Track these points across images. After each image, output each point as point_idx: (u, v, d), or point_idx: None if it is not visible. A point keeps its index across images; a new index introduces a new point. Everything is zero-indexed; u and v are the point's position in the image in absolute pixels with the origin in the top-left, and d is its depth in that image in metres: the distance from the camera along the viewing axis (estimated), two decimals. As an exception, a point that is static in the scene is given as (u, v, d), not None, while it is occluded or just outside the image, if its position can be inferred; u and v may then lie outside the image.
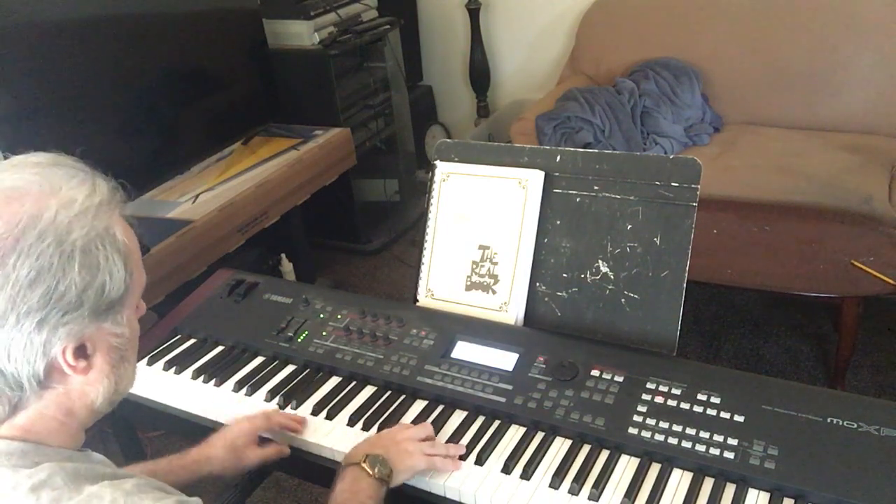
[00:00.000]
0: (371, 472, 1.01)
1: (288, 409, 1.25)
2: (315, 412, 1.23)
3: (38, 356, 0.74)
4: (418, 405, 1.22)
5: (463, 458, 1.10)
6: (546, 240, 1.36)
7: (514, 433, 1.14)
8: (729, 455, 1.02)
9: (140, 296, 0.85)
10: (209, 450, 1.16)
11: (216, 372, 1.35)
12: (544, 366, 1.21)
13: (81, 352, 0.77)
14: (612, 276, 1.31)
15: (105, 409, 0.84)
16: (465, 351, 1.27)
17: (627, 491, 1.01)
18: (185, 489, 1.08)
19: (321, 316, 1.42)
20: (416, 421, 1.18)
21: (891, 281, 1.88)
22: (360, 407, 1.23)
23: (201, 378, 1.35)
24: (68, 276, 0.73)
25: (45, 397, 0.78)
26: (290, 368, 1.35)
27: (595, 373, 1.18)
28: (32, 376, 0.75)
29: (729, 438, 1.04)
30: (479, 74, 3.67)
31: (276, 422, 1.18)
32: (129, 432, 1.58)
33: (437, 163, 1.47)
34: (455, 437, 1.13)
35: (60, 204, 0.74)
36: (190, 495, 0.80)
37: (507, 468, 1.07)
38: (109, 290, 0.76)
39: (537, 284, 1.36)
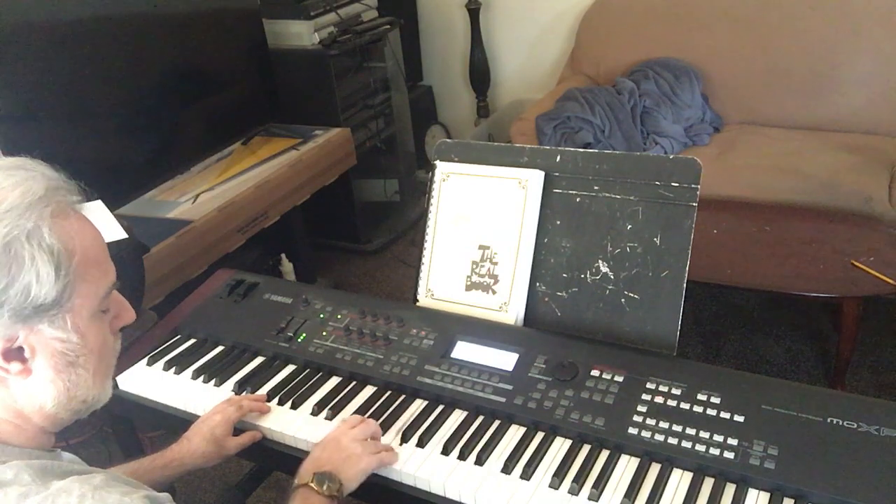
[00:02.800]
0: (320, 490, 1.02)
1: (286, 408, 1.25)
2: (315, 412, 1.23)
3: None
4: (418, 405, 1.22)
5: (463, 457, 1.10)
6: (546, 240, 1.36)
7: (514, 433, 1.14)
8: (729, 455, 1.02)
9: (102, 298, 0.81)
10: (189, 445, 1.18)
11: (216, 372, 1.35)
12: (544, 366, 1.21)
13: (16, 354, 0.76)
14: (612, 276, 1.31)
15: (67, 417, 0.83)
16: (465, 351, 1.27)
17: (627, 491, 1.01)
18: (169, 486, 1.09)
19: (321, 316, 1.42)
20: (415, 421, 1.18)
21: (891, 281, 1.88)
22: (360, 407, 1.23)
23: (201, 378, 1.35)
24: None
25: None
26: (290, 368, 1.35)
27: (595, 373, 1.18)
28: None
29: (729, 438, 1.04)
30: (479, 74, 3.67)
31: (247, 408, 1.22)
32: (129, 432, 1.58)
33: (437, 163, 1.47)
34: (455, 437, 1.13)
35: None
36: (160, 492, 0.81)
37: (507, 468, 1.07)
38: (37, 293, 0.73)
39: (537, 284, 1.36)
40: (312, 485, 1.02)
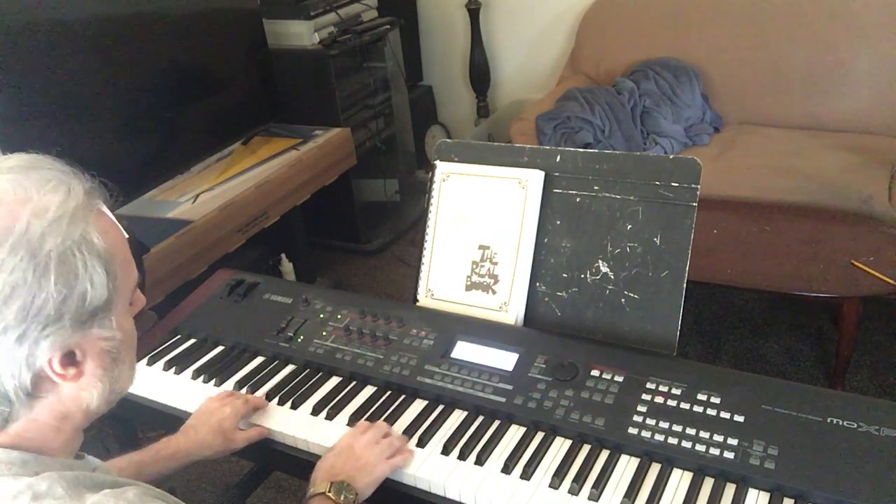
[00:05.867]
0: (337, 500, 1.01)
1: (286, 408, 1.25)
2: (315, 412, 1.23)
3: (21, 370, 0.72)
4: (418, 405, 1.22)
5: (463, 457, 1.10)
6: (546, 240, 1.36)
7: (514, 433, 1.14)
8: (729, 455, 1.02)
9: (131, 292, 0.82)
10: (196, 436, 1.17)
11: (216, 372, 1.35)
12: (544, 366, 1.21)
13: (70, 359, 0.75)
14: (612, 276, 1.31)
15: (102, 410, 0.82)
16: (465, 351, 1.27)
17: (627, 491, 1.01)
18: (174, 477, 1.08)
19: (321, 316, 1.42)
20: (415, 421, 1.18)
21: (891, 281, 1.88)
22: (360, 407, 1.23)
23: (201, 378, 1.35)
24: (44, 290, 0.70)
25: (37, 407, 0.77)
26: (290, 368, 1.35)
27: (595, 373, 1.18)
28: (20, 389, 0.73)
29: (729, 438, 1.04)
30: (479, 74, 3.67)
31: (253, 403, 1.23)
32: (129, 432, 1.58)
33: (437, 163, 1.47)
34: (455, 437, 1.13)
35: (32, 213, 0.71)
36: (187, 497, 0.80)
37: (507, 468, 1.07)
38: (92, 298, 0.73)
39: (537, 284, 1.36)
40: (330, 494, 1.01)
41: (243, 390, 1.30)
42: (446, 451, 1.11)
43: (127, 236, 0.89)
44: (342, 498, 1.01)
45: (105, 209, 0.81)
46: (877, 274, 1.91)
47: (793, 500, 0.97)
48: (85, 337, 0.75)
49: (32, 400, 0.76)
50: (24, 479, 0.73)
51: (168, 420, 1.32)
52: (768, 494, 0.98)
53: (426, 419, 1.18)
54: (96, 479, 0.77)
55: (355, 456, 1.08)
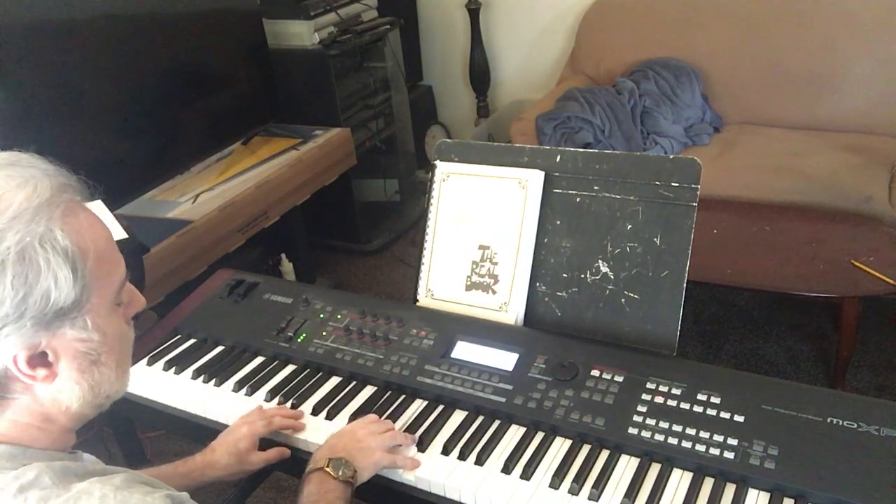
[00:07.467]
0: (335, 475, 1.02)
1: (287, 407, 1.25)
2: (315, 412, 1.23)
3: None
4: (418, 405, 1.22)
5: (463, 458, 1.10)
6: (546, 240, 1.36)
7: (514, 433, 1.14)
8: (729, 455, 1.02)
9: (115, 292, 0.80)
10: (212, 455, 1.16)
11: (216, 372, 1.35)
12: (544, 366, 1.21)
13: (40, 360, 0.74)
14: (612, 276, 1.31)
15: (91, 413, 0.82)
16: (465, 351, 1.27)
17: (627, 491, 1.01)
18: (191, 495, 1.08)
19: (321, 316, 1.42)
20: (415, 421, 1.18)
21: (891, 281, 1.88)
22: (360, 407, 1.23)
23: (201, 378, 1.35)
24: (2, 288, 0.69)
25: (12, 406, 0.76)
26: (290, 368, 1.35)
27: (595, 373, 1.18)
28: None
29: (729, 438, 1.04)
30: (479, 74, 3.67)
31: (277, 425, 1.19)
32: (130, 432, 1.58)
33: (437, 163, 1.47)
34: (455, 438, 1.13)
35: None
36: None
37: (507, 468, 1.07)
38: (56, 298, 0.71)
39: (537, 284, 1.36)
40: (328, 469, 1.02)
41: (243, 390, 1.30)
42: (446, 451, 1.11)
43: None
44: (340, 473, 1.02)
45: (87, 207, 0.79)
46: (877, 274, 1.91)
47: (793, 500, 0.97)
48: (55, 337, 0.74)
49: (3, 400, 0.75)
50: (10, 472, 0.73)
51: (168, 420, 1.32)
52: (768, 494, 0.98)
53: (426, 419, 1.18)
54: (84, 469, 0.77)
55: (357, 438, 1.09)
